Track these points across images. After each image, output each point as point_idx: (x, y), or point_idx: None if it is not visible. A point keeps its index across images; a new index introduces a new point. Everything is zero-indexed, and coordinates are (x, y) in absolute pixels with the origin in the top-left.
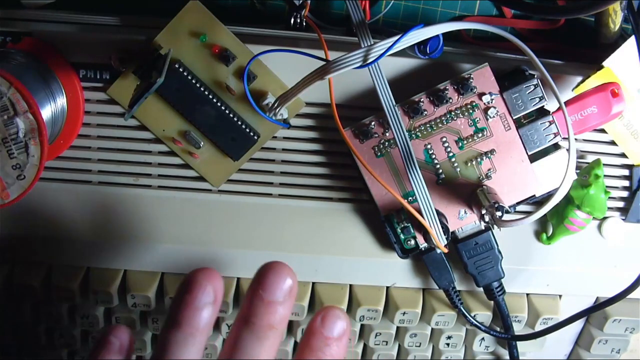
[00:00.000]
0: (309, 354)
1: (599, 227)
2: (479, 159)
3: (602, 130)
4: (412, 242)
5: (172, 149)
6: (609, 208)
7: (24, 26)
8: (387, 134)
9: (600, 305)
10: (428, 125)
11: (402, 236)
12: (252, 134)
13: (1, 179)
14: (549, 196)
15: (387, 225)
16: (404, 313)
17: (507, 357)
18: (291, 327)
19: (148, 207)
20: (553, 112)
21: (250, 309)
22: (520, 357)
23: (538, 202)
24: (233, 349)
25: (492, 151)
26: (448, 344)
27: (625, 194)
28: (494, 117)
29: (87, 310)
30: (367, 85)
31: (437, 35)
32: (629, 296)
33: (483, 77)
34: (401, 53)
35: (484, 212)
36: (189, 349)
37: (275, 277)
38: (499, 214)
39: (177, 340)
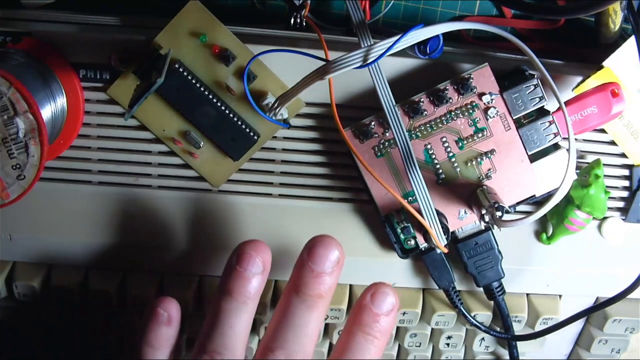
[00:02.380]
0: (358, 329)
1: (599, 227)
2: (479, 159)
3: (602, 130)
4: (412, 242)
5: (172, 149)
6: (609, 208)
7: (24, 26)
8: (387, 134)
9: (600, 305)
10: (428, 125)
11: (402, 236)
12: (252, 134)
13: (1, 179)
14: (549, 196)
15: (387, 225)
16: (404, 313)
17: (507, 357)
18: None
19: (148, 207)
20: (553, 112)
21: (300, 280)
22: (520, 357)
23: (538, 202)
24: (284, 317)
25: (492, 151)
26: (448, 344)
27: (625, 194)
28: (494, 117)
29: (86, 310)
30: (367, 85)
31: (437, 35)
32: (629, 296)
33: (483, 77)
34: (401, 53)
35: (484, 212)
36: (241, 316)
37: (324, 251)
38: (499, 214)
39: (229, 308)
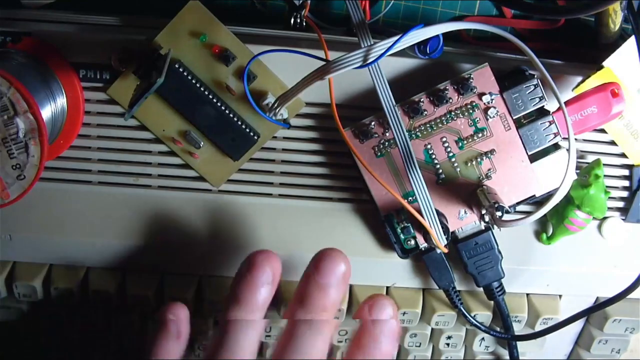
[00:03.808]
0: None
1: (599, 227)
2: (479, 159)
3: (602, 130)
4: (412, 242)
5: (172, 149)
6: (609, 208)
7: (24, 26)
8: (387, 134)
9: (600, 305)
10: (428, 125)
11: (402, 236)
12: (252, 134)
13: (1, 179)
14: (549, 196)
15: (387, 225)
16: (404, 313)
17: (507, 357)
18: None
19: (148, 207)
20: (553, 112)
21: (305, 291)
22: (520, 357)
23: (538, 202)
24: (290, 341)
25: (492, 151)
26: (448, 344)
27: (625, 194)
28: (494, 117)
29: (86, 310)
30: (367, 85)
31: (437, 35)
32: (629, 296)
33: (483, 77)
34: (401, 53)
35: (484, 212)
36: (248, 333)
37: (330, 263)
38: (499, 214)
39: (238, 322)
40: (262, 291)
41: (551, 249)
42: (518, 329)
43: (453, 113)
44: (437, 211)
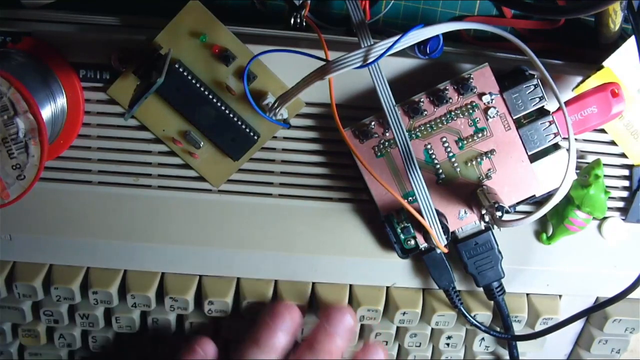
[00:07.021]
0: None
1: (599, 227)
2: (479, 159)
3: (602, 130)
4: (412, 242)
5: (172, 149)
6: (609, 208)
7: (24, 26)
8: (387, 134)
9: (600, 305)
10: (428, 125)
11: (402, 236)
12: (252, 134)
13: (1, 179)
14: (549, 196)
15: (387, 225)
16: (404, 313)
17: (507, 357)
18: None
19: (148, 207)
20: (553, 112)
21: (314, 337)
22: (520, 357)
23: (538, 202)
24: None
25: (492, 151)
26: (448, 344)
27: (625, 194)
28: (494, 117)
29: (87, 310)
30: (367, 85)
31: (437, 35)
32: (629, 296)
33: (483, 77)
34: (401, 53)
35: (484, 212)
36: None
37: (339, 315)
38: (499, 214)
39: (254, 356)
40: (281, 337)
41: (551, 249)
42: (518, 329)
43: (453, 113)
44: (437, 211)
